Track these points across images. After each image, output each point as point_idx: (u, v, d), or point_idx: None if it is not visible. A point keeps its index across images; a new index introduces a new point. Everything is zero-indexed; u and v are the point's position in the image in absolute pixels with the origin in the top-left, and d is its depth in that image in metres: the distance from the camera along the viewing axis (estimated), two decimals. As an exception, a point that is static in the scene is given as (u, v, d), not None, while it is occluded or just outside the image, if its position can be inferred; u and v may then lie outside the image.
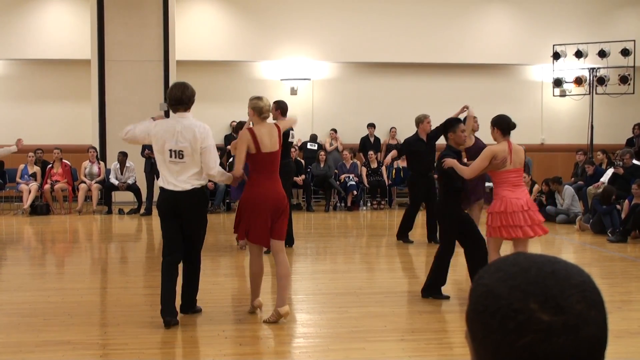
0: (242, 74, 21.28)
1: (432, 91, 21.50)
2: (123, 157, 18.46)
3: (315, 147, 20.46)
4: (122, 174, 18.51)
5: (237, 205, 7.68)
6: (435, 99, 20.70)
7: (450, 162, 8.42)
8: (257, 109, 7.52)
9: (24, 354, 6.50)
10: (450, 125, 8.76)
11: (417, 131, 12.90)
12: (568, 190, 16.40)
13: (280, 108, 11.08)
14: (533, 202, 8.41)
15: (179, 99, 7.25)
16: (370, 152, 19.88)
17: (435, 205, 9.04)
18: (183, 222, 7.37)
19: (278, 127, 7.63)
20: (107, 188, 18.44)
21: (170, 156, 7.22)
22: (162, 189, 7.42)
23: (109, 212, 18.12)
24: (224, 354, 6.48)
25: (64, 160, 18.71)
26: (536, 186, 17.51)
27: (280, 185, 7.54)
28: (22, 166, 18.65)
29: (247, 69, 21.36)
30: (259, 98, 7.65)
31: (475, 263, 8.42)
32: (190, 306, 7.79)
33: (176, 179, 7.25)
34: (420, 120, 12.91)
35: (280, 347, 6.71)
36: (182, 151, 7.19)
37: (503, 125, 8.22)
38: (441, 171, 8.51)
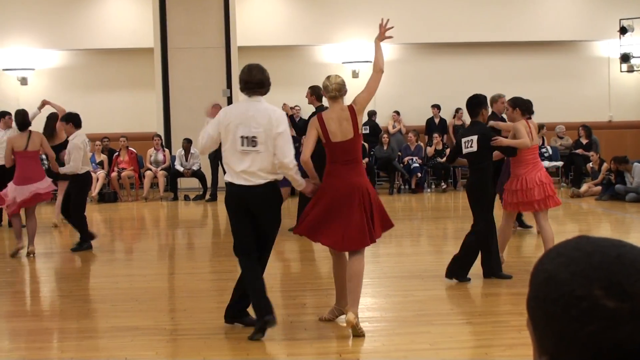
0: (303, 58, 21.27)
1: (494, 70, 21.12)
2: (187, 143, 18.64)
3: (367, 131, 20.30)
4: (186, 160, 18.71)
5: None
6: (498, 78, 20.30)
7: (505, 141, 8.62)
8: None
9: (93, 340, 6.63)
10: (488, 99, 8.99)
11: (491, 111, 12.45)
12: (637, 167, 15.99)
13: (315, 94, 10.91)
14: (548, 175, 8.96)
15: (259, 81, 6.66)
16: (435, 135, 19.67)
17: (471, 184, 8.89)
18: (256, 220, 6.49)
19: (352, 108, 6.60)
20: (172, 175, 18.66)
21: (242, 144, 6.38)
22: (230, 183, 6.53)
23: (175, 198, 18.34)
24: (289, 338, 6.50)
25: (129, 148, 18.99)
26: (605, 165, 17.12)
27: (358, 176, 6.55)
28: (89, 154, 18.95)
29: (308, 53, 21.35)
30: (326, 77, 6.81)
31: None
32: (239, 314, 6.87)
33: (247, 171, 6.38)
34: (495, 100, 12.32)
35: (346, 331, 6.68)
36: (255, 138, 6.36)
37: (523, 107, 8.90)
38: (488, 149, 8.41)
